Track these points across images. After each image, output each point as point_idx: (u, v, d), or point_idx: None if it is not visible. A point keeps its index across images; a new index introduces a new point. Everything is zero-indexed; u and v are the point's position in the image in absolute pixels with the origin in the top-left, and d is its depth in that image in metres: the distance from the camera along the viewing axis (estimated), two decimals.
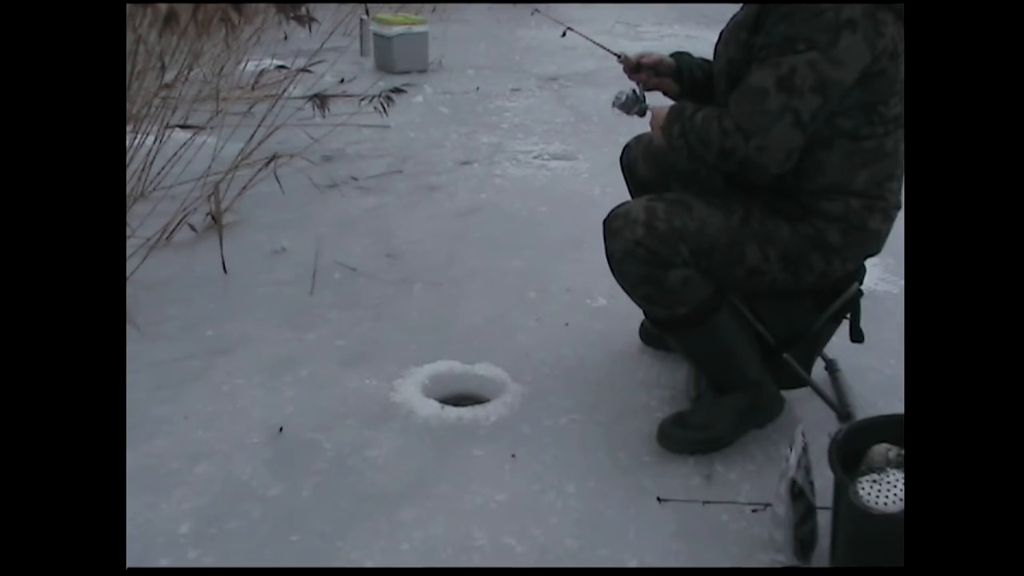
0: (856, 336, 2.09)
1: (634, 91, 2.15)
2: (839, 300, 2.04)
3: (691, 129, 1.87)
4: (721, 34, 2.06)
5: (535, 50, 6.74)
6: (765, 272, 1.92)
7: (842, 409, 2.14)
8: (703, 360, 2.06)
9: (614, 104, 2.18)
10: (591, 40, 2.43)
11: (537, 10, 2.56)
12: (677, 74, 2.19)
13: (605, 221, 1.95)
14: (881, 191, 1.90)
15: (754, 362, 2.03)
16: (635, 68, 2.19)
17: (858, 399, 2.17)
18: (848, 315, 2.08)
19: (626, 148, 2.37)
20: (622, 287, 1.97)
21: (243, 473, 1.96)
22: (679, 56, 2.22)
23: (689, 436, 2.01)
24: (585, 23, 7.99)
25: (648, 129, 2.09)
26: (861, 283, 2.06)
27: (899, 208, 1.95)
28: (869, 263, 2.11)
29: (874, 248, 1.97)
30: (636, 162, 2.32)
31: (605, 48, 2.33)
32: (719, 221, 1.89)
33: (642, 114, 2.13)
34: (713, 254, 1.89)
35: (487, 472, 1.97)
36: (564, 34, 2.51)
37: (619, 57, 2.21)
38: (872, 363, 2.34)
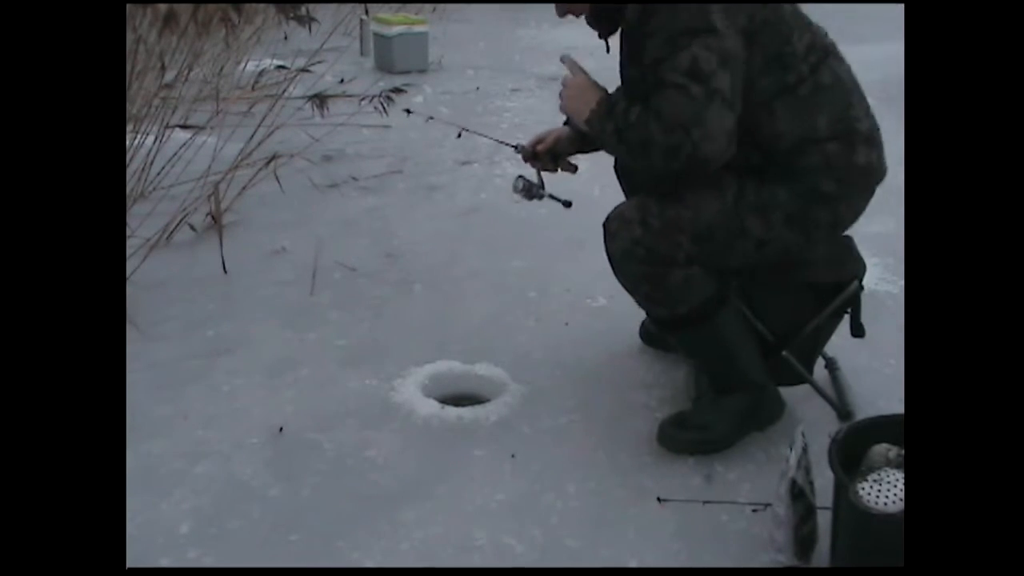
0: (857, 331, 2.09)
1: (530, 179, 2.23)
2: (840, 296, 2.04)
3: (627, 128, 1.82)
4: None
5: (535, 50, 6.74)
6: (773, 239, 1.90)
7: (842, 408, 2.14)
8: (705, 360, 2.06)
9: (514, 190, 2.25)
10: (487, 136, 2.60)
11: (465, 129, 2.71)
12: (579, 138, 2.21)
13: (604, 224, 1.95)
14: (847, 125, 1.88)
15: (756, 363, 2.02)
16: (532, 156, 2.23)
17: (858, 398, 2.17)
18: (849, 311, 2.08)
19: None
20: (624, 287, 1.97)
21: (243, 473, 1.95)
22: (571, 120, 2.20)
23: (689, 437, 2.01)
24: (580, 25, 8.01)
25: None
26: (862, 279, 2.06)
27: (877, 130, 1.93)
28: (869, 263, 2.11)
29: (874, 179, 1.94)
30: (629, 166, 2.31)
31: (501, 141, 2.42)
32: (714, 203, 1.88)
33: (541, 199, 2.21)
34: (715, 237, 1.88)
35: (487, 472, 1.97)
36: (459, 135, 2.68)
37: (516, 148, 2.27)
38: (872, 363, 2.34)
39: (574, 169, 2.26)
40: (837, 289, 2.05)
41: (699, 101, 1.74)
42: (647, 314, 2.06)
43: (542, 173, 2.26)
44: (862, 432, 1.66)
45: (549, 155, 2.23)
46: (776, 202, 1.88)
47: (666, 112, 1.76)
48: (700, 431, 2.01)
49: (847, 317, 2.10)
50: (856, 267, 2.07)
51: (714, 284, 1.93)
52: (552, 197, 2.24)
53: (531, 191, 2.23)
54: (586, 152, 2.23)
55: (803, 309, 2.06)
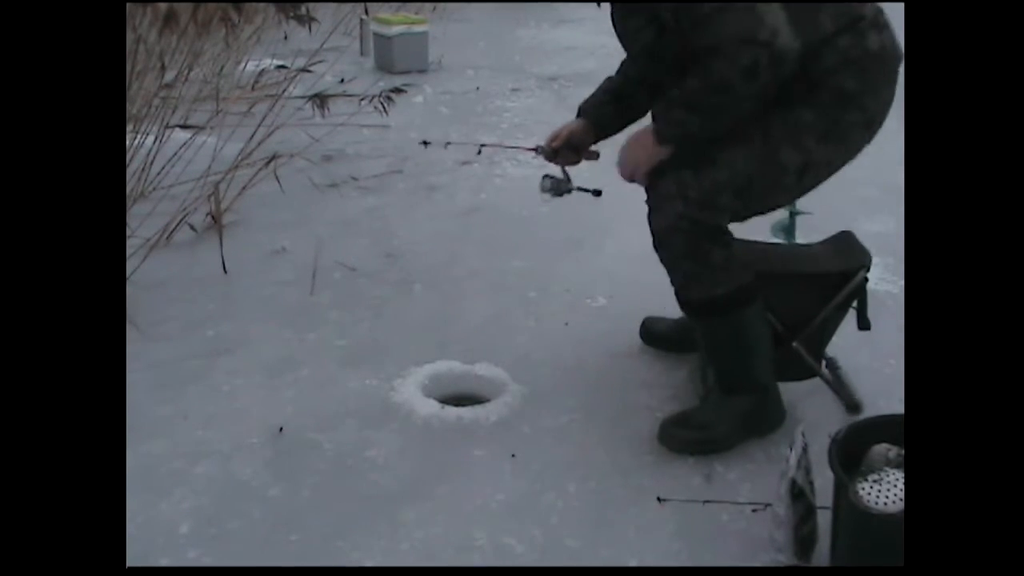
0: (863, 323, 2.10)
1: (555, 176, 2.25)
2: (846, 288, 2.05)
3: (696, 92, 1.80)
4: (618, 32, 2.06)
5: (535, 50, 6.74)
6: (813, 163, 1.89)
7: (850, 400, 2.14)
8: (722, 354, 2.04)
9: (542, 191, 2.26)
10: (506, 146, 2.66)
11: (484, 145, 2.67)
12: (593, 127, 2.21)
13: (646, 201, 1.96)
14: (850, 13, 1.86)
15: (767, 368, 2.03)
16: (553, 154, 2.24)
17: (863, 395, 2.17)
18: (855, 303, 2.09)
19: None
20: (664, 264, 1.96)
21: (243, 473, 1.95)
22: (584, 109, 2.24)
23: (690, 436, 2.01)
24: (586, 22, 8.02)
25: None
26: (868, 270, 2.06)
27: (881, 12, 1.92)
28: None
29: (892, 63, 1.91)
30: None
31: (518, 147, 2.43)
32: (743, 152, 1.87)
33: (570, 192, 2.23)
34: (754, 184, 1.87)
35: (487, 472, 1.97)
36: (479, 151, 2.67)
37: (536, 150, 2.27)
38: (872, 363, 2.33)
39: (596, 156, 2.26)
40: (843, 279, 2.06)
41: (744, 8, 1.72)
42: (681, 298, 2.01)
43: (566, 168, 2.27)
44: (862, 432, 1.67)
45: (569, 149, 2.23)
46: (804, 124, 1.87)
47: (725, 37, 1.73)
48: (701, 431, 2.01)
49: (853, 314, 2.10)
50: (862, 257, 2.09)
51: (751, 274, 1.94)
52: (581, 189, 2.26)
53: (559, 187, 2.25)
54: (603, 139, 2.24)
55: (811, 300, 2.07)
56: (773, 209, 1.96)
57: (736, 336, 1.98)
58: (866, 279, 2.06)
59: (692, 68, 1.80)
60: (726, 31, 1.74)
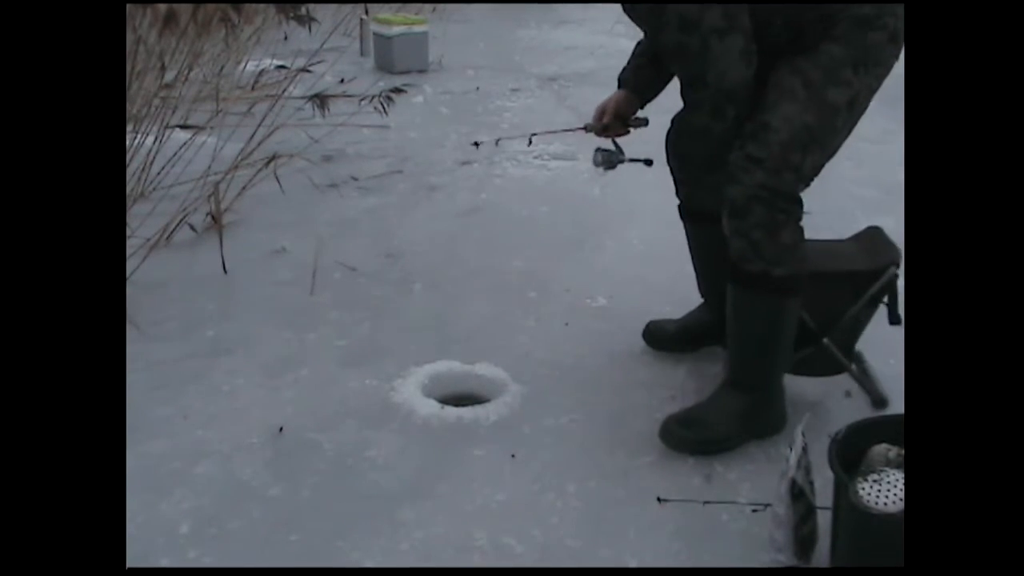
0: (894, 319, 2.11)
1: (607, 148, 2.28)
2: (877, 284, 2.07)
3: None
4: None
5: (535, 50, 6.74)
6: (857, 92, 1.91)
7: (876, 395, 2.16)
8: (749, 337, 2.02)
9: (595, 164, 2.30)
10: (557, 131, 2.59)
11: (534, 134, 2.67)
12: (637, 93, 2.25)
13: (726, 170, 1.96)
14: None
15: (782, 368, 2.04)
16: (604, 128, 2.26)
17: (890, 391, 2.18)
18: (886, 299, 2.10)
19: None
20: (731, 231, 1.94)
21: (243, 473, 1.96)
22: (624, 79, 2.27)
23: (691, 436, 2.01)
24: (587, 23, 8.02)
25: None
26: (898, 267, 2.07)
27: None
28: None
29: None
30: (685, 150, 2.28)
31: (567, 129, 2.45)
32: (792, 107, 1.88)
33: (622, 163, 2.28)
34: (814, 133, 1.88)
35: (487, 472, 1.97)
36: (530, 143, 2.68)
37: (586, 128, 2.29)
38: (872, 363, 2.33)
39: (645, 122, 2.29)
40: (873, 277, 2.07)
41: (696, 50, 1.83)
42: (738, 268, 1.97)
43: (616, 139, 2.31)
44: (862, 432, 1.67)
45: (617, 120, 2.26)
46: (837, 60, 1.89)
47: (683, 76, 1.87)
48: (702, 430, 2.01)
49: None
50: (892, 254, 2.10)
51: (806, 268, 1.95)
52: (633, 160, 2.29)
53: (612, 159, 2.29)
54: (646, 103, 2.28)
55: (841, 297, 2.09)
56: (833, 155, 1.96)
57: (772, 323, 1.97)
58: (896, 275, 2.08)
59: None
60: (683, 70, 1.90)
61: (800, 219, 1.93)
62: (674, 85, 2.08)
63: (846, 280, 2.10)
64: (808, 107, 1.89)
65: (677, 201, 2.34)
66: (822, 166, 1.94)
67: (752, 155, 1.88)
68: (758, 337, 2.01)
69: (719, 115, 1.90)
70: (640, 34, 2.19)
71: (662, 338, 2.43)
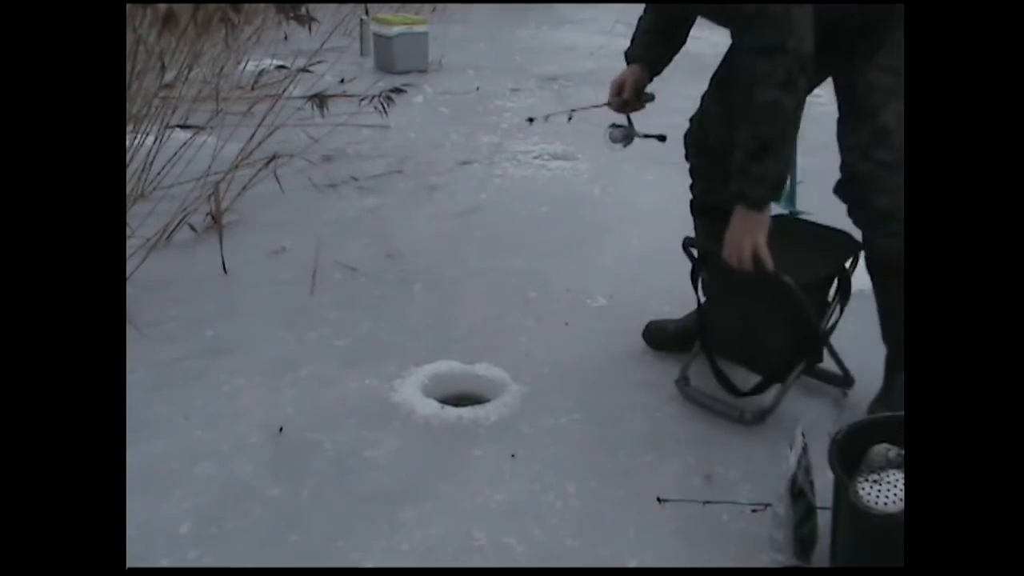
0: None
1: (622, 124, 2.28)
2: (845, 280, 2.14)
3: (757, 141, 1.84)
4: None
5: (535, 50, 6.74)
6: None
7: (844, 378, 2.21)
8: (899, 320, 2.04)
9: (612, 140, 2.30)
10: (580, 108, 2.51)
11: (573, 111, 2.56)
12: (648, 68, 2.24)
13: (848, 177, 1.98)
14: None
15: None
16: (624, 104, 2.26)
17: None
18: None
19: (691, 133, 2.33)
20: (889, 233, 1.94)
21: (243, 473, 1.95)
22: (635, 55, 2.25)
23: None
24: (587, 22, 8.02)
25: None
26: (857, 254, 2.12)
27: None
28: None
29: None
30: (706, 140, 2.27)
31: (593, 106, 2.38)
32: (899, 103, 1.87)
33: (637, 137, 2.28)
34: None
35: (487, 472, 1.97)
36: (570, 118, 2.56)
37: (609, 104, 2.29)
38: (872, 363, 2.33)
39: (652, 98, 2.29)
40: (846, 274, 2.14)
41: (780, 14, 1.79)
42: (894, 266, 1.97)
43: (630, 115, 2.31)
44: (862, 432, 1.67)
45: (635, 96, 2.25)
46: (901, 44, 1.85)
47: (758, 43, 1.81)
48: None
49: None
50: (853, 247, 2.12)
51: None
52: (647, 135, 2.30)
53: (629, 135, 2.29)
54: (659, 74, 2.28)
55: (823, 298, 2.13)
56: None
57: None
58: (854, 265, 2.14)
59: (739, 115, 1.87)
60: (758, 41, 1.81)
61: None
62: (679, 78, 2.08)
63: (826, 282, 2.13)
64: (876, 83, 1.90)
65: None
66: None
67: (884, 160, 1.90)
68: (901, 319, 2.01)
69: (791, 87, 1.81)
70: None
71: (662, 338, 2.43)
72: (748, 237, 1.92)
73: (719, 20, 2.00)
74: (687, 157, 2.31)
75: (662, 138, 2.30)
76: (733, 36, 2.02)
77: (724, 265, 1.98)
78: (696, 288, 2.20)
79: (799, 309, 2.01)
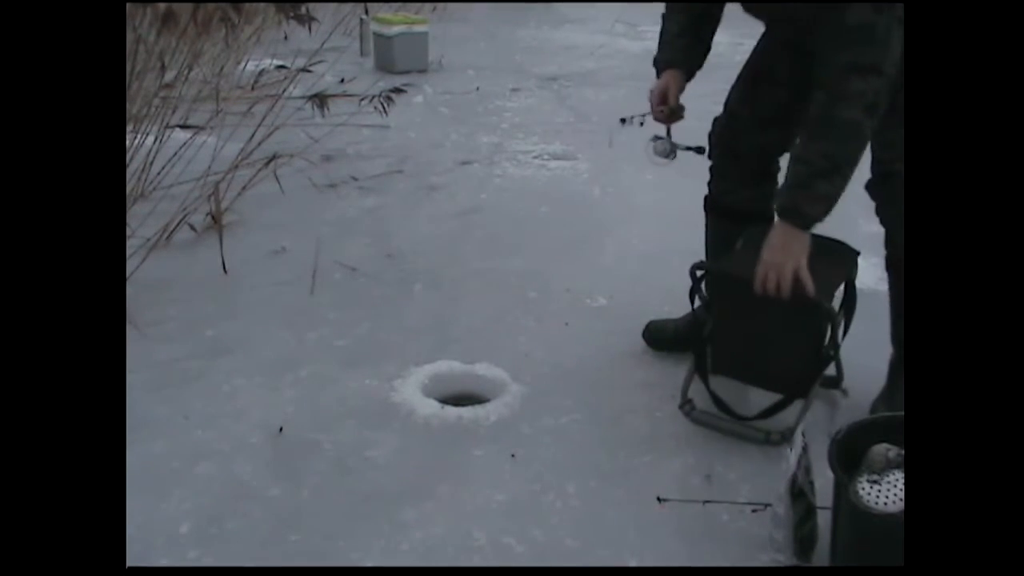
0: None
1: (663, 137, 2.21)
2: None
3: (831, 158, 1.77)
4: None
5: (535, 50, 6.74)
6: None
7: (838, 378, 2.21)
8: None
9: (656, 154, 2.22)
10: (645, 114, 2.39)
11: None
12: (686, 74, 2.19)
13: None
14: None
15: None
16: (671, 114, 2.19)
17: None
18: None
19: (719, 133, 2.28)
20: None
21: (243, 473, 1.95)
22: (671, 60, 2.19)
23: None
24: (588, 22, 8.02)
25: None
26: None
27: None
28: (869, 263, 2.12)
29: None
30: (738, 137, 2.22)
31: (644, 114, 2.34)
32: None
33: (678, 150, 2.23)
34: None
35: (487, 472, 1.97)
36: (642, 123, 2.49)
37: (654, 116, 2.22)
38: (872, 363, 2.33)
39: (683, 110, 2.23)
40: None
41: (882, 35, 1.71)
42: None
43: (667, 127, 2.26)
44: (862, 432, 1.67)
45: (678, 103, 2.19)
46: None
47: (854, 63, 1.72)
48: None
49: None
50: (853, 255, 2.13)
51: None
52: (688, 148, 2.24)
53: (673, 148, 2.23)
54: (692, 78, 2.22)
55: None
56: None
57: None
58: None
59: (810, 128, 1.80)
60: (855, 60, 1.73)
61: None
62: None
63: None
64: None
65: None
66: None
67: None
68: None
69: (874, 111, 1.74)
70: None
71: (662, 338, 2.43)
72: (791, 259, 1.85)
73: (779, 17, 1.93)
74: (710, 155, 2.27)
75: (701, 150, 2.25)
76: (794, 40, 1.95)
77: (737, 284, 1.94)
78: (693, 306, 2.15)
79: (827, 328, 1.99)
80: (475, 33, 7.32)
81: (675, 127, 2.25)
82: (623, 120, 2.56)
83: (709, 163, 2.31)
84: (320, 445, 2.05)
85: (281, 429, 2.10)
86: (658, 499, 1.86)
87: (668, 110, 2.18)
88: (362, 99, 3.32)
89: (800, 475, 1.64)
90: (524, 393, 2.24)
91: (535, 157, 4.17)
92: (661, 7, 2.23)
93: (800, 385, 2.03)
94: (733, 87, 2.24)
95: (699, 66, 2.20)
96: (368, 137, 4.35)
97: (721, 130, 2.25)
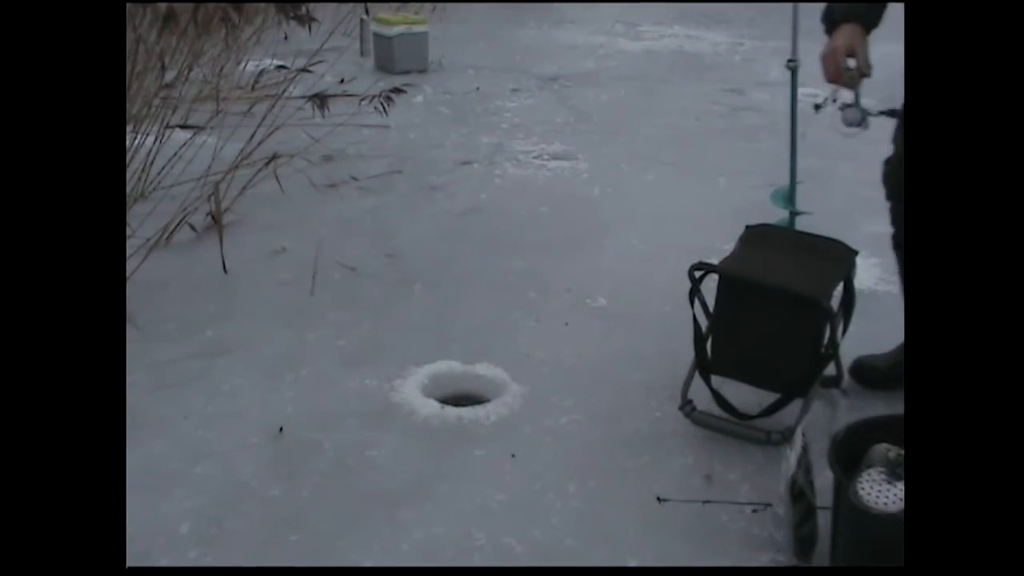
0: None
1: (854, 104, 2.05)
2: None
3: None
4: None
5: (535, 50, 6.74)
6: None
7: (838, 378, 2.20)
8: None
9: (848, 124, 2.06)
10: (834, 99, 2.17)
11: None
12: (866, 28, 1.96)
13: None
14: None
15: None
16: (860, 77, 1.97)
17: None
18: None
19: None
20: None
21: (243, 473, 1.96)
22: (852, 13, 1.95)
23: None
24: (588, 22, 8.02)
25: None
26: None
27: None
28: (869, 263, 2.11)
29: None
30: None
31: (834, 81, 2.03)
32: None
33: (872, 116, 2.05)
34: None
35: (487, 472, 1.97)
36: (816, 109, 2.25)
37: (837, 81, 2.00)
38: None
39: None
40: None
41: None
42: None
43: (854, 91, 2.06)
44: (862, 432, 1.67)
45: (866, 62, 1.96)
46: None
47: None
48: None
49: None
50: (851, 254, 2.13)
51: None
52: (882, 113, 2.06)
53: (865, 115, 2.05)
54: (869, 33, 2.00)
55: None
56: None
57: None
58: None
59: None
60: None
61: None
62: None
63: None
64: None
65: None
66: None
67: None
68: None
69: None
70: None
71: (874, 378, 2.27)
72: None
73: None
74: (887, 198, 2.10)
75: (893, 113, 2.02)
76: None
77: (737, 284, 1.94)
78: (693, 308, 2.14)
79: (827, 327, 1.99)
80: (475, 33, 7.32)
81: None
82: (817, 107, 2.31)
83: (888, 204, 2.12)
84: (320, 445, 2.05)
85: (281, 429, 2.10)
86: (658, 499, 1.86)
87: (855, 73, 1.95)
88: (362, 99, 3.32)
89: (800, 475, 1.64)
90: (524, 393, 2.24)
91: (535, 157, 4.17)
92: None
93: (800, 385, 2.04)
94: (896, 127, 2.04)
95: (877, 22, 1.95)
96: (368, 137, 4.35)
97: (894, 171, 2.05)
